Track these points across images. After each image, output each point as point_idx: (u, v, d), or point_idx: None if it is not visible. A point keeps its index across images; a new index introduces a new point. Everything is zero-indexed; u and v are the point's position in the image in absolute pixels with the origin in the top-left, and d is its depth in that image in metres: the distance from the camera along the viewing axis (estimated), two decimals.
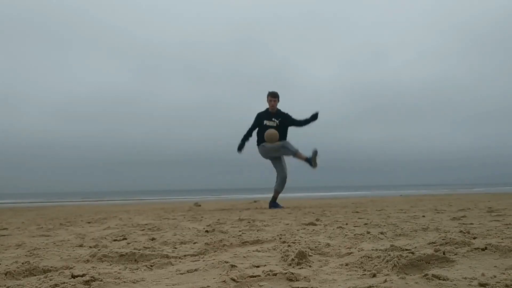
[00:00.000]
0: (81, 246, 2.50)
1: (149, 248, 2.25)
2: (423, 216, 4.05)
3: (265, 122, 7.12)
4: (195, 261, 1.92)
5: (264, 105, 7.25)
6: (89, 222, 4.44)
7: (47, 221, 4.79)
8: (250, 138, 7.32)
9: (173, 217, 4.87)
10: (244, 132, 7.30)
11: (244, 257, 1.93)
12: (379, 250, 1.94)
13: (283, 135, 7.13)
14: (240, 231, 3.06)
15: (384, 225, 3.18)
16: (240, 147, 7.31)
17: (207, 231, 3.03)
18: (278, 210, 5.99)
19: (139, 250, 2.11)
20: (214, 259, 1.87)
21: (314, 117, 7.12)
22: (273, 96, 7.16)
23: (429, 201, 7.77)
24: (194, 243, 2.47)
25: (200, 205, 8.25)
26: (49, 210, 8.32)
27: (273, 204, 7.22)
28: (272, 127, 7.07)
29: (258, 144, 7.20)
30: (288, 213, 5.27)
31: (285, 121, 7.18)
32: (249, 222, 3.81)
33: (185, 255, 2.05)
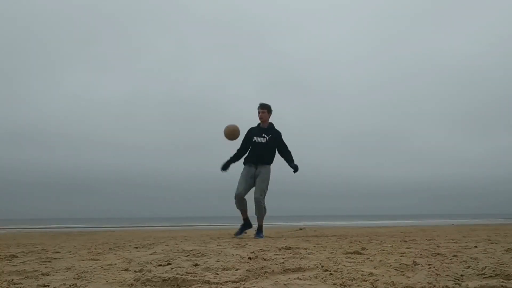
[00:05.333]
0: (126, 270, 2.56)
1: (191, 273, 2.28)
2: (475, 247, 3.87)
3: (255, 138, 6.39)
4: (236, 287, 1.93)
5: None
6: (136, 247, 4.54)
7: (97, 246, 4.94)
8: (241, 158, 6.52)
9: (218, 244, 4.90)
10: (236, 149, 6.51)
11: (284, 284, 1.92)
12: (425, 281, 1.88)
13: (270, 156, 6.45)
14: (283, 258, 3.04)
15: (433, 256, 3.07)
16: (225, 166, 6.48)
17: (250, 258, 3.03)
18: (324, 238, 5.87)
19: (182, 275, 2.15)
20: (254, 286, 1.87)
21: (295, 168, 6.44)
22: (261, 107, 6.45)
23: (482, 231, 7.41)
24: (236, 269, 2.47)
25: (245, 232, 8.23)
26: (100, 235, 8.57)
27: (257, 233, 6.48)
28: (261, 143, 6.37)
29: (244, 163, 6.49)
30: (334, 241, 5.17)
31: (275, 141, 6.45)
32: (293, 250, 3.78)
33: (226, 281, 2.06)
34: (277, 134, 6.50)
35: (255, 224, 6.59)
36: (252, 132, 6.48)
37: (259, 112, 6.45)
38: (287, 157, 6.49)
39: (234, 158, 6.51)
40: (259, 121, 6.52)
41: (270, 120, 6.58)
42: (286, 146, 6.53)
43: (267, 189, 6.44)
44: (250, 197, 6.42)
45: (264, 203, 6.42)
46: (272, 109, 6.53)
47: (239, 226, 6.79)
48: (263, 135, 6.40)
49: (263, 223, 6.63)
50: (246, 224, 6.59)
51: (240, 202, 6.43)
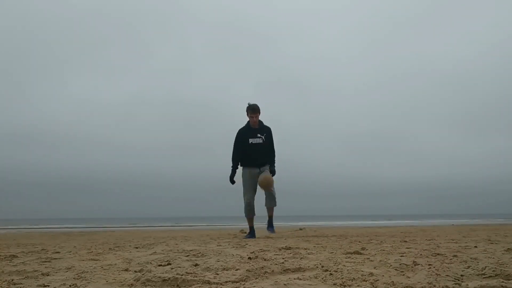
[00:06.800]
0: (126, 270, 2.56)
1: (191, 273, 2.28)
2: (475, 247, 3.87)
3: (250, 140, 6.29)
4: (236, 287, 1.93)
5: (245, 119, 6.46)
6: (136, 247, 4.54)
7: (98, 246, 4.94)
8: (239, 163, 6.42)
9: (218, 244, 4.90)
10: (231, 157, 6.41)
11: (284, 284, 1.92)
12: (425, 281, 1.88)
13: (267, 154, 6.43)
14: (283, 258, 3.03)
15: (433, 256, 3.07)
16: (232, 178, 6.38)
17: (250, 258, 3.03)
18: (324, 238, 5.87)
19: (182, 275, 2.15)
20: (254, 286, 1.87)
21: (272, 173, 6.39)
22: (253, 112, 6.28)
23: (482, 231, 7.40)
24: (236, 269, 2.47)
25: (245, 232, 8.23)
26: (100, 235, 8.58)
27: (271, 226, 6.55)
28: (258, 144, 6.30)
29: (244, 166, 6.40)
30: (334, 241, 5.17)
31: (269, 138, 6.44)
32: (293, 250, 3.78)
33: (226, 282, 2.06)
34: (269, 131, 6.46)
35: (257, 228, 6.59)
36: (244, 134, 6.35)
37: (251, 117, 6.31)
38: (271, 157, 6.47)
39: (235, 167, 6.40)
40: (248, 121, 6.41)
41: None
42: (273, 145, 6.48)
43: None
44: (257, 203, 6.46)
45: (275, 193, 6.39)
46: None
47: (240, 230, 6.79)
48: (258, 135, 6.33)
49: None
50: (252, 233, 6.48)
51: (251, 210, 6.41)
